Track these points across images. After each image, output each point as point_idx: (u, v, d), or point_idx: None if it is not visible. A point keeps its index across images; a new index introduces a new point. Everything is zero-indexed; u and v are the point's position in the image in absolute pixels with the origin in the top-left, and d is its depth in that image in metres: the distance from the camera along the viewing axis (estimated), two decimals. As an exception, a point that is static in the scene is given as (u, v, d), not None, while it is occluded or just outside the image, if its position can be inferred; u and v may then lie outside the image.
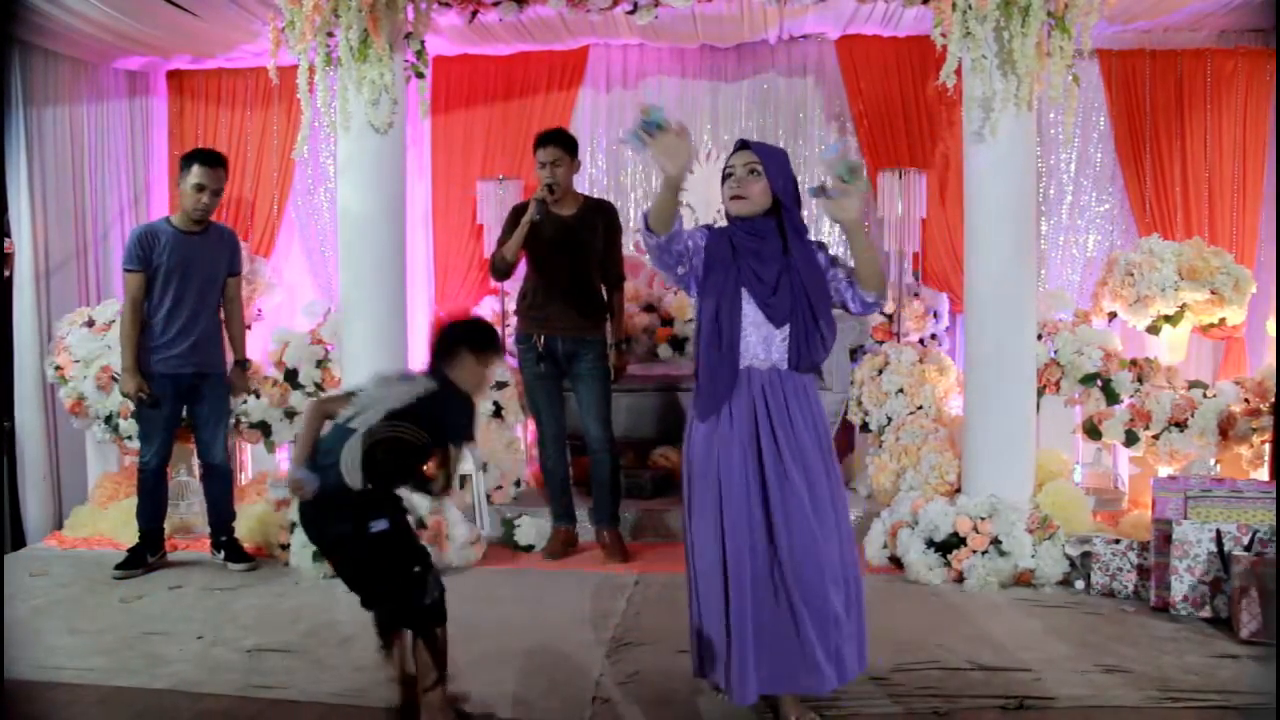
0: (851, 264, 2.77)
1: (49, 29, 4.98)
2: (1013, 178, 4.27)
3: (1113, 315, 5.32)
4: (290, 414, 5.27)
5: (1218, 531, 3.69)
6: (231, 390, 4.63)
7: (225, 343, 4.61)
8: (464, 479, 4.98)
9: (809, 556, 2.64)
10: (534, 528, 4.80)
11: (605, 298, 4.59)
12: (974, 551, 4.10)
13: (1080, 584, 4.08)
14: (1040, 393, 4.80)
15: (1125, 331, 5.31)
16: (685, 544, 2.81)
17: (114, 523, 4.96)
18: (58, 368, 5.15)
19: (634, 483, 5.13)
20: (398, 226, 4.68)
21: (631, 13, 4.87)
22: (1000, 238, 4.28)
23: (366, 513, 2.61)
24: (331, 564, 2.84)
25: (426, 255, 6.14)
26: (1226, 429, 4.66)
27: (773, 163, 2.75)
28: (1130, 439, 4.81)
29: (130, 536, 4.58)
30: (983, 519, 4.14)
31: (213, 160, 4.41)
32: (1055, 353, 4.98)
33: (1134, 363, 5.00)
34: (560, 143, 4.43)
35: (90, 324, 5.22)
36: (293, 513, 4.49)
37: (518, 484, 5.30)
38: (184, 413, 4.53)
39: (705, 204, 5.90)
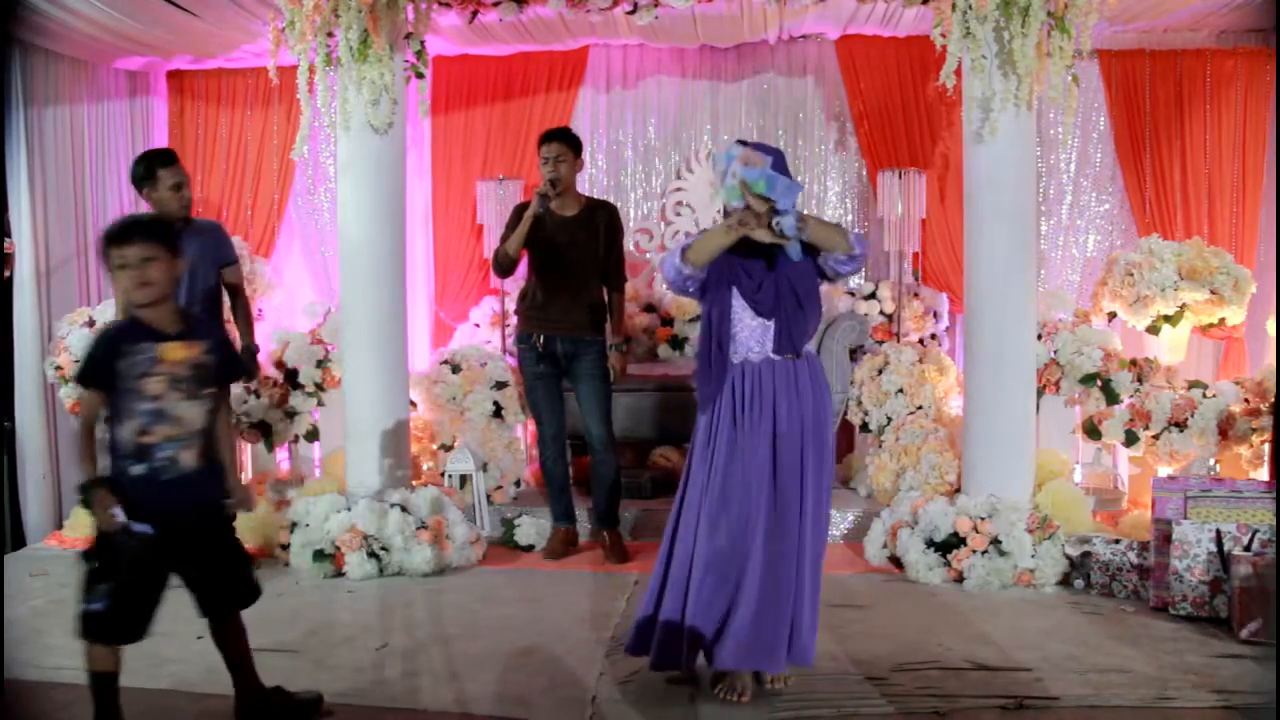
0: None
1: (49, 29, 4.98)
2: (1013, 178, 4.27)
3: (1112, 315, 5.32)
4: (290, 414, 5.27)
5: (1218, 531, 3.69)
6: (247, 378, 4.61)
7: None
8: (464, 479, 4.99)
9: (767, 537, 2.85)
10: (534, 528, 4.80)
11: (605, 298, 4.59)
12: (974, 551, 4.10)
13: (1080, 584, 4.08)
14: (1040, 393, 4.80)
15: (1125, 331, 5.30)
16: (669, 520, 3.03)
17: (114, 523, 4.95)
18: (58, 368, 5.15)
19: (634, 483, 5.13)
20: (398, 226, 4.68)
21: (631, 13, 4.86)
22: (1000, 238, 4.28)
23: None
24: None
25: (426, 255, 6.14)
26: (1226, 429, 4.66)
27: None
28: (1130, 439, 4.81)
29: (130, 536, 4.58)
30: (983, 519, 4.15)
31: (171, 158, 4.36)
32: (1055, 353, 4.98)
33: (1134, 363, 5.00)
34: (564, 139, 4.44)
35: (90, 324, 5.21)
36: (293, 512, 4.50)
37: (518, 484, 5.30)
38: None
39: (705, 205, 5.90)
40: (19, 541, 5.08)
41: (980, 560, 4.08)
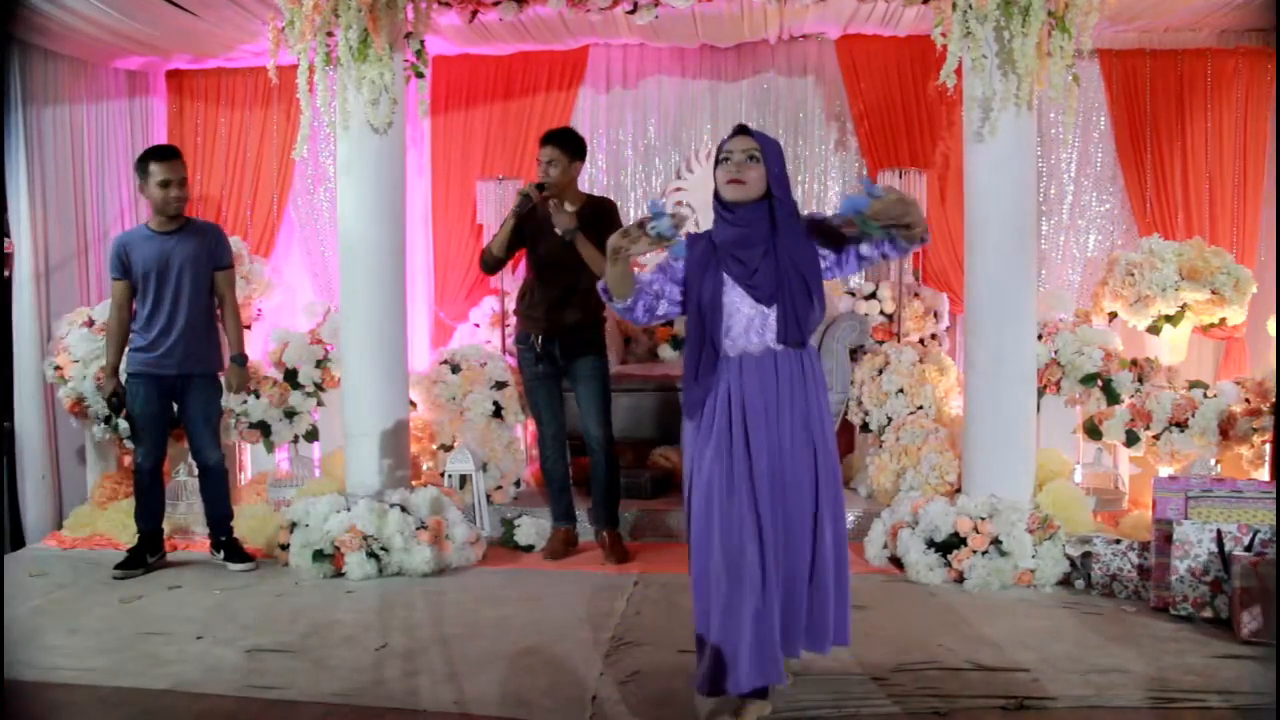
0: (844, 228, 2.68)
1: (49, 29, 4.98)
2: (1013, 178, 4.26)
3: (1113, 315, 5.32)
4: (290, 414, 5.27)
5: (1218, 531, 3.69)
6: (229, 387, 4.57)
7: (220, 342, 4.58)
8: (464, 479, 4.98)
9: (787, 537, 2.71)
10: (534, 528, 4.79)
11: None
12: (974, 552, 4.10)
13: (1080, 584, 4.07)
14: (1040, 393, 4.80)
15: (1125, 331, 5.30)
16: (689, 538, 2.79)
17: (113, 523, 4.96)
18: (57, 368, 5.15)
19: (634, 483, 5.13)
20: (397, 226, 4.68)
21: (631, 13, 4.86)
22: (1000, 238, 4.28)
23: None
24: None
25: (426, 255, 6.14)
26: (1227, 429, 4.65)
27: (770, 151, 2.73)
28: (1131, 439, 4.81)
29: (130, 537, 4.58)
30: (983, 519, 4.14)
31: (167, 154, 4.36)
32: (1056, 353, 4.97)
33: (1134, 363, 5.00)
34: (558, 143, 4.41)
35: (90, 324, 5.22)
36: (293, 513, 4.49)
37: (518, 484, 5.30)
38: (176, 413, 4.52)
39: (705, 205, 5.87)
40: (18, 541, 5.08)
41: (981, 560, 4.08)
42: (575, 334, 4.46)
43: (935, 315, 5.71)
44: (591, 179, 6.08)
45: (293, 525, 4.45)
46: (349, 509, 4.39)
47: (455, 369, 5.38)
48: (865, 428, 5.27)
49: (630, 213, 6.05)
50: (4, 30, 4.88)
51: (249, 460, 5.63)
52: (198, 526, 4.92)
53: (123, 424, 5.00)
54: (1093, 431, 4.93)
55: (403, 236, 4.73)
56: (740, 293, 2.71)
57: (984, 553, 4.09)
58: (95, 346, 5.11)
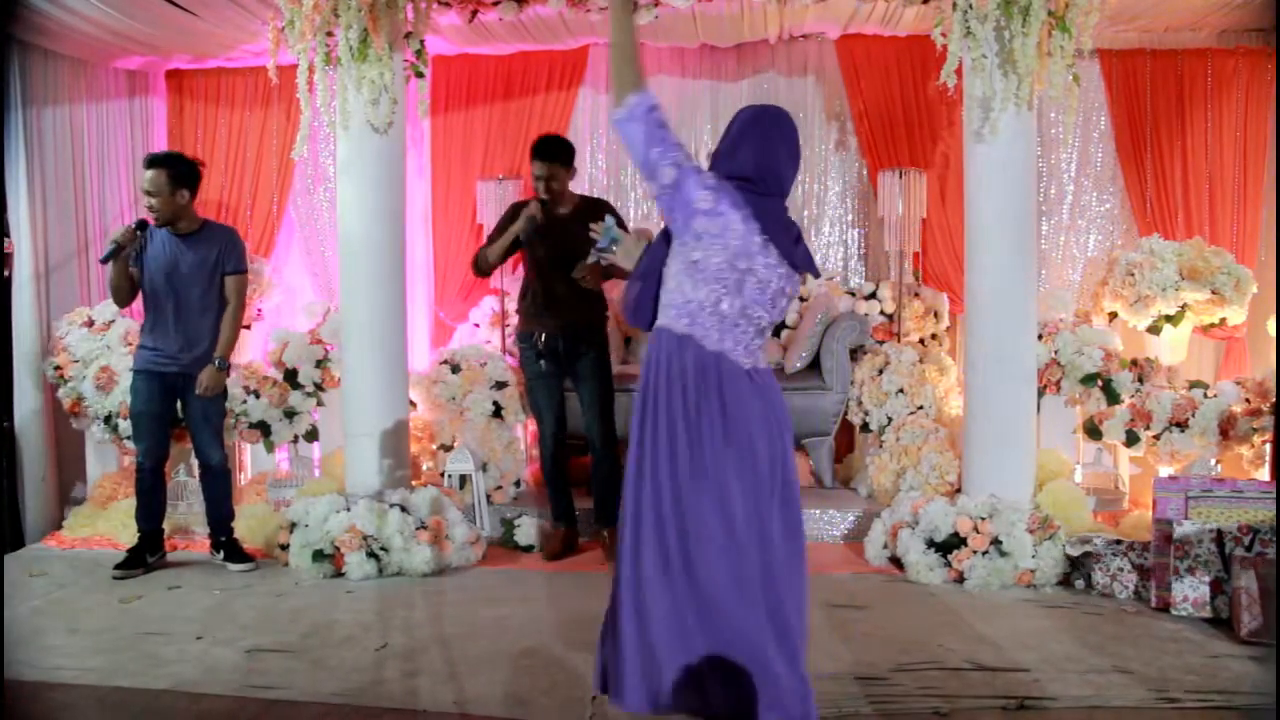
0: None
1: (48, 28, 4.98)
2: (1013, 178, 4.27)
3: (1113, 315, 5.32)
4: (290, 414, 5.27)
5: (1218, 531, 3.69)
6: (198, 385, 4.39)
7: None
8: (464, 479, 4.98)
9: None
10: (534, 528, 4.80)
11: (605, 296, 4.58)
12: (974, 552, 4.10)
13: (1080, 584, 4.07)
14: (1040, 393, 4.80)
15: (1125, 331, 5.30)
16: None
17: (113, 523, 4.95)
18: (57, 368, 5.15)
19: (634, 483, 5.11)
20: (398, 226, 4.68)
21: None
22: (1000, 238, 4.28)
23: None
24: None
25: (426, 255, 6.13)
26: (1227, 429, 4.65)
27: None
28: (1131, 439, 4.81)
29: (130, 537, 4.58)
30: (983, 519, 4.14)
31: (151, 162, 4.33)
32: (1056, 353, 4.97)
33: (1134, 363, 5.00)
34: (551, 158, 4.39)
35: (90, 324, 5.22)
36: (292, 513, 4.49)
37: (518, 484, 5.30)
38: (178, 413, 4.51)
39: (705, 204, 5.87)
40: (18, 541, 5.07)
41: (981, 560, 4.08)
42: (579, 331, 4.47)
43: (935, 315, 5.71)
44: (591, 179, 6.08)
45: (292, 525, 4.45)
46: (349, 509, 4.39)
47: (455, 369, 5.38)
48: (865, 428, 5.27)
49: (630, 213, 6.05)
50: (4, 30, 4.88)
51: (249, 460, 5.63)
52: (198, 526, 4.92)
53: (123, 424, 5.00)
54: (1093, 431, 4.93)
55: (403, 236, 4.73)
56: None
57: (984, 553, 4.09)
58: (95, 346, 5.11)
